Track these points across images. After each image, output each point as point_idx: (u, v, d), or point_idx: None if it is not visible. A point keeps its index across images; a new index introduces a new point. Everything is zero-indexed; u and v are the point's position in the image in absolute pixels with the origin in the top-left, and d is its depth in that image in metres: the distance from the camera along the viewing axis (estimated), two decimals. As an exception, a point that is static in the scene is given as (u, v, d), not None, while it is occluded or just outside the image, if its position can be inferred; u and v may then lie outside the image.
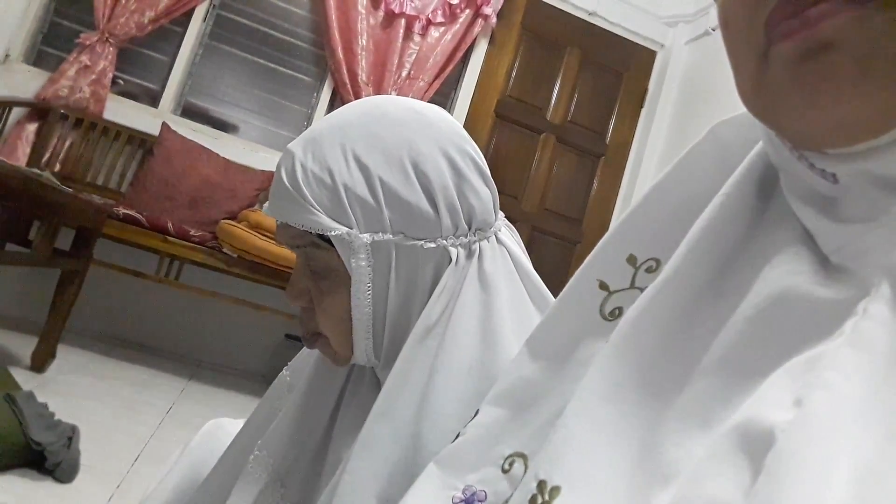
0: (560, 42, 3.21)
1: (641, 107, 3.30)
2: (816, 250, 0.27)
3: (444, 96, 3.13)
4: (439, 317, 0.52)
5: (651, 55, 3.33)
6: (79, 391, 1.90)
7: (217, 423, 0.82)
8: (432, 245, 0.53)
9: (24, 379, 1.71)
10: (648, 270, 0.35)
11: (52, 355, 2.01)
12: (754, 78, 0.25)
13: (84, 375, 2.05)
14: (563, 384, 0.35)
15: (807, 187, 0.27)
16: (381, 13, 2.91)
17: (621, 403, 0.30)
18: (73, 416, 1.51)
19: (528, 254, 0.60)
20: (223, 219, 2.43)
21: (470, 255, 0.54)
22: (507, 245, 0.56)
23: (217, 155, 2.65)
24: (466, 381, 0.50)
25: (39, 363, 1.95)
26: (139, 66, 2.81)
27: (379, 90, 2.88)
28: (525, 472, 0.35)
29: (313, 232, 0.53)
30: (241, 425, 0.69)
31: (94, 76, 2.58)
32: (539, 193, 3.18)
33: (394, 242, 0.52)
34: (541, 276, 0.58)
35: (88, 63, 2.58)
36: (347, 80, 2.85)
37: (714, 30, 2.96)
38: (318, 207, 0.51)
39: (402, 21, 2.90)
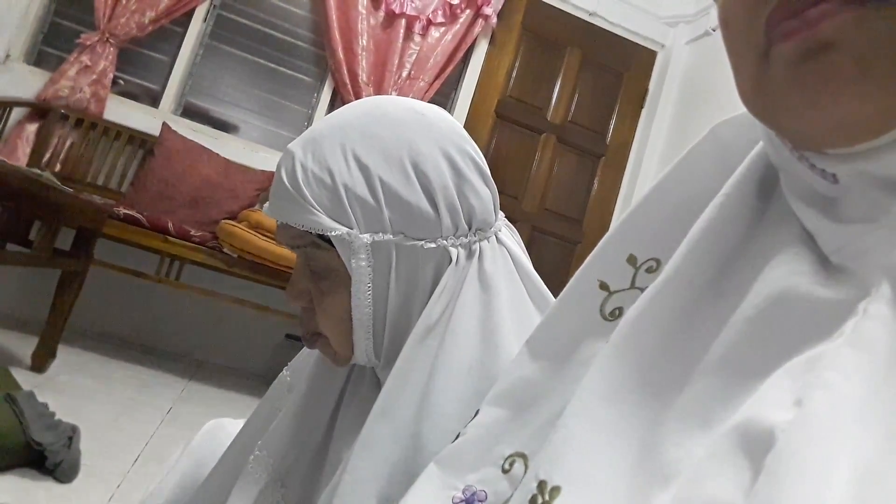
0: (560, 42, 3.21)
1: (642, 107, 3.30)
2: (817, 250, 0.27)
3: (444, 96, 3.13)
4: (439, 317, 0.52)
5: (651, 55, 3.33)
6: (79, 391, 1.90)
7: (217, 423, 0.82)
8: (432, 245, 0.53)
9: (24, 379, 1.72)
10: (649, 270, 0.35)
11: (53, 355, 2.01)
12: (754, 78, 0.25)
13: (84, 375, 2.05)
14: (563, 384, 0.35)
15: (807, 187, 0.27)
16: (381, 13, 2.91)
17: (621, 403, 0.30)
18: (73, 416, 1.51)
19: (528, 254, 0.60)
20: (223, 219, 2.43)
21: (470, 255, 0.54)
22: (507, 245, 0.56)
23: (217, 155, 2.65)
24: (466, 381, 0.50)
25: (40, 363, 1.95)
26: (139, 66, 2.81)
27: (379, 90, 2.88)
28: (525, 472, 0.35)
29: (313, 232, 0.53)
30: (241, 425, 0.69)
31: (94, 76, 2.59)
32: (539, 193, 3.18)
33: (394, 242, 0.52)
34: (541, 276, 0.58)
35: (89, 63, 2.58)
36: (348, 81, 2.85)
37: (714, 30, 2.96)
38: (319, 208, 0.51)
39: (403, 21, 2.90)
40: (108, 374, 2.15)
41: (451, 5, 2.96)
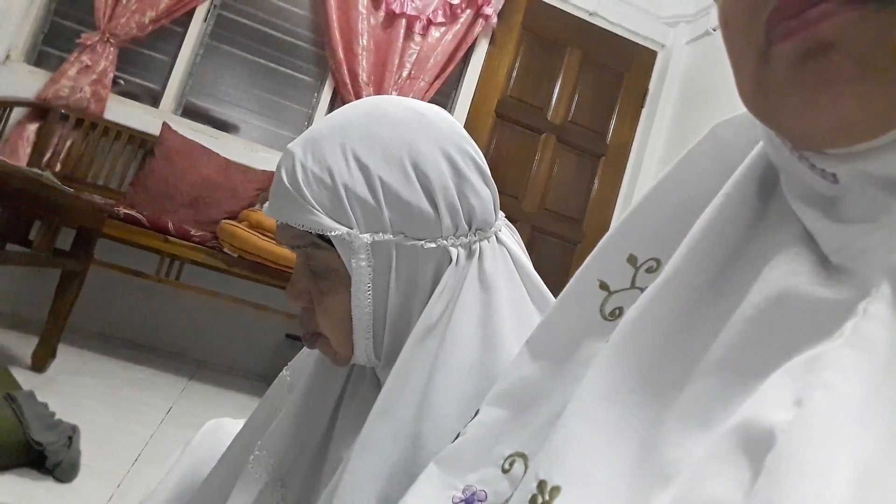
0: (560, 42, 3.21)
1: (642, 107, 3.30)
2: (817, 250, 0.27)
3: (444, 96, 3.13)
4: (439, 317, 0.52)
5: (652, 55, 3.33)
6: (79, 391, 1.90)
7: (217, 423, 0.82)
8: (432, 245, 0.53)
9: (24, 379, 1.72)
10: (649, 270, 0.35)
11: (53, 355, 2.01)
12: (754, 78, 0.25)
13: (84, 375, 2.05)
14: (563, 384, 0.35)
15: (807, 187, 0.27)
16: (381, 13, 2.91)
17: (621, 403, 0.30)
18: (73, 416, 1.51)
19: (528, 254, 0.60)
20: (224, 219, 2.44)
21: (470, 255, 0.54)
22: (507, 245, 0.56)
23: (217, 155, 2.65)
24: (466, 381, 0.50)
25: (40, 363, 1.95)
26: (140, 66, 2.81)
27: (379, 90, 2.88)
28: (525, 472, 0.35)
29: (313, 232, 0.53)
30: (241, 425, 0.69)
31: (94, 76, 2.59)
32: (539, 193, 3.18)
33: (394, 242, 0.52)
34: (541, 276, 0.58)
35: (89, 63, 2.58)
36: (348, 80, 2.85)
37: (715, 30, 2.96)
38: (319, 208, 0.51)
39: (403, 21, 2.90)
40: (108, 374, 2.15)
41: (451, 5, 2.96)
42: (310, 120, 2.98)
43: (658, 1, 3.29)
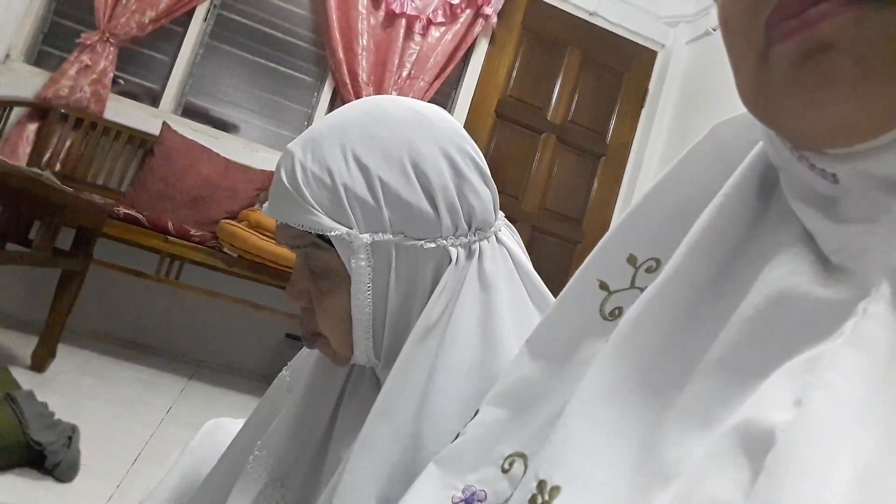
0: (560, 42, 3.21)
1: (642, 107, 3.30)
2: (817, 251, 0.27)
3: (444, 96, 3.13)
4: (439, 317, 0.52)
5: (651, 55, 3.33)
6: (79, 391, 1.90)
7: (217, 423, 0.82)
8: (432, 245, 0.53)
9: (24, 378, 1.72)
10: (648, 270, 0.35)
11: (52, 355, 2.01)
12: (754, 78, 0.25)
13: (84, 375, 2.05)
14: (563, 384, 0.35)
15: (807, 187, 0.27)
16: (381, 13, 2.91)
17: (621, 403, 0.30)
18: (73, 416, 1.51)
19: (528, 254, 0.60)
20: (223, 218, 2.43)
21: (470, 255, 0.54)
22: (507, 245, 0.56)
23: (217, 154, 2.65)
24: (466, 381, 0.50)
25: (39, 363, 1.95)
26: (140, 65, 2.81)
27: (379, 90, 2.88)
28: (525, 471, 0.35)
29: (313, 232, 0.53)
30: (241, 425, 0.69)
31: (94, 76, 2.58)
32: (539, 193, 3.18)
33: (394, 242, 0.52)
34: (541, 276, 0.58)
35: (89, 63, 2.58)
36: (348, 80, 2.85)
37: (715, 30, 2.96)
38: (318, 208, 0.51)
39: (403, 21, 2.90)
40: (108, 373, 2.15)
41: (451, 5, 2.96)
42: (310, 120, 2.98)
43: (658, 1, 3.29)
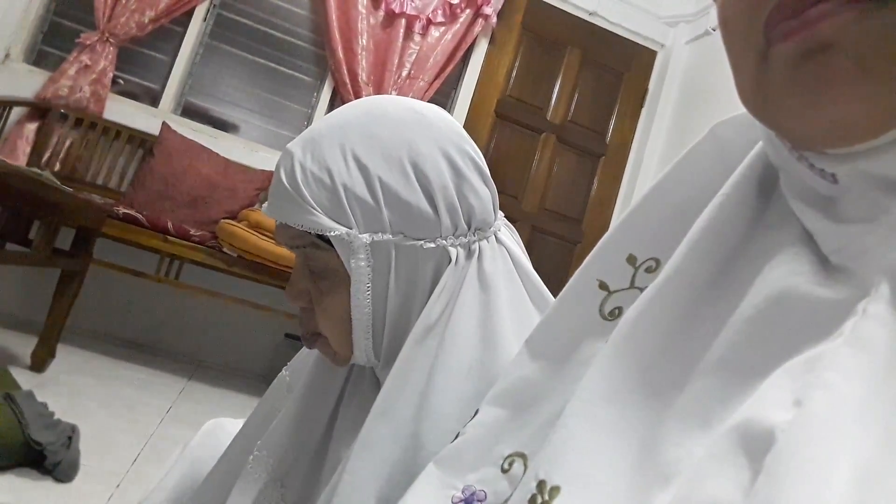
0: (560, 42, 3.21)
1: (642, 107, 3.30)
2: (816, 250, 0.27)
3: (444, 96, 3.13)
4: (439, 317, 0.52)
5: (651, 55, 3.33)
6: (79, 391, 1.90)
7: (217, 423, 0.82)
8: (432, 245, 0.53)
9: (23, 378, 1.71)
10: (648, 270, 0.35)
11: (52, 355, 2.01)
12: (754, 78, 0.25)
13: (84, 375, 2.05)
14: (562, 384, 0.35)
15: (807, 187, 0.27)
16: (381, 13, 2.91)
17: (621, 403, 0.30)
18: (72, 416, 1.51)
19: (528, 254, 0.60)
20: (223, 218, 2.43)
21: (469, 255, 0.54)
22: (506, 245, 0.56)
23: (217, 154, 2.65)
24: (466, 381, 0.50)
25: (39, 363, 1.95)
26: (139, 65, 2.81)
27: (379, 90, 2.88)
28: (525, 471, 0.35)
29: (313, 232, 0.52)
30: (241, 425, 0.69)
31: (94, 76, 2.58)
32: (539, 193, 3.18)
33: (393, 242, 0.52)
34: (541, 276, 0.58)
35: (89, 63, 2.58)
36: (348, 80, 2.85)
37: (714, 30, 2.96)
38: (318, 208, 0.51)
39: (403, 21, 2.90)
40: (107, 373, 2.15)
41: (450, 5, 2.96)
42: (309, 119, 2.98)
43: (658, 1, 3.29)
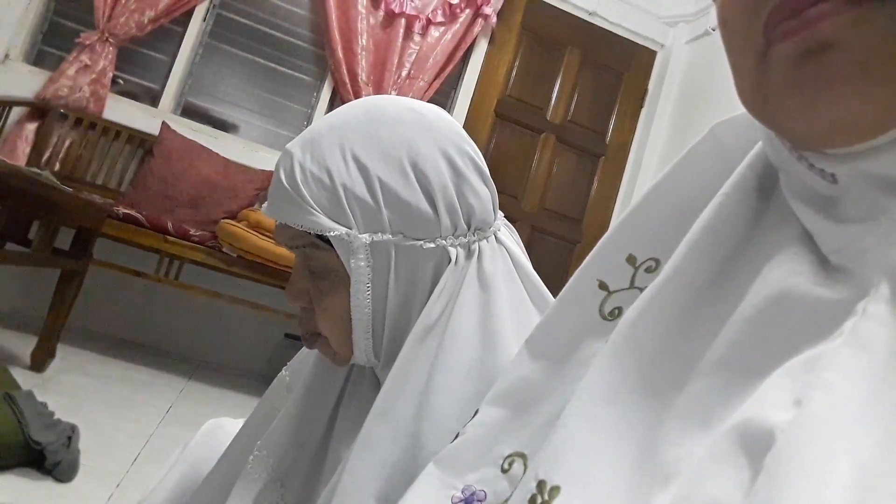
0: (560, 42, 3.21)
1: (641, 107, 3.30)
2: (816, 250, 0.27)
3: (444, 96, 3.13)
4: (439, 317, 0.52)
5: (651, 55, 3.33)
6: (78, 391, 1.90)
7: (217, 423, 0.82)
8: (431, 245, 0.53)
9: (23, 378, 1.71)
10: (648, 270, 0.35)
11: (52, 355, 2.00)
12: (753, 78, 0.25)
13: (84, 375, 2.05)
14: (562, 384, 0.35)
15: (806, 187, 0.27)
16: (381, 13, 2.91)
17: (621, 403, 0.30)
18: (72, 416, 1.51)
19: (528, 254, 0.60)
20: (223, 218, 2.43)
21: (469, 254, 0.54)
22: (506, 245, 0.56)
23: (217, 154, 2.65)
24: (466, 381, 0.50)
25: (39, 363, 1.95)
26: (139, 65, 2.81)
27: (379, 90, 2.88)
28: (525, 471, 0.35)
29: (312, 232, 0.52)
30: (241, 425, 0.69)
31: (93, 76, 2.58)
32: (539, 193, 3.18)
33: (393, 243, 0.52)
34: (541, 276, 0.58)
35: (88, 62, 2.58)
36: (347, 80, 2.85)
37: (714, 30, 2.96)
38: (317, 208, 0.51)
39: (402, 21, 2.90)
40: (107, 373, 2.15)
41: (450, 5, 2.96)
42: (309, 119, 2.98)
43: (658, 1, 3.29)
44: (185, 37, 2.82)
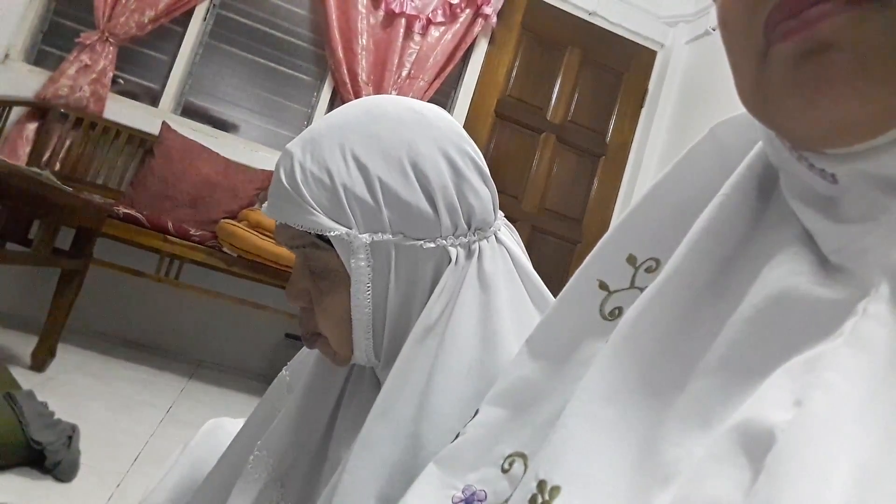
0: (560, 42, 3.21)
1: (641, 107, 3.30)
2: (816, 250, 0.27)
3: (444, 96, 3.13)
4: (439, 316, 0.52)
5: (651, 55, 3.33)
6: (79, 390, 1.90)
7: (217, 423, 0.82)
8: (432, 245, 0.53)
9: (23, 378, 1.71)
10: (648, 270, 0.35)
11: (52, 354, 2.00)
12: (753, 78, 0.25)
13: (84, 375, 2.05)
14: (563, 384, 0.35)
15: (806, 187, 0.27)
16: (381, 13, 2.91)
17: (621, 403, 0.30)
18: (72, 416, 1.51)
19: (528, 254, 0.60)
20: (223, 218, 2.43)
21: (469, 254, 0.54)
22: (506, 245, 0.56)
23: (217, 154, 2.65)
24: (466, 380, 0.50)
25: (39, 362, 1.95)
26: (139, 65, 2.81)
27: (379, 90, 2.88)
28: (525, 471, 0.35)
29: (312, 232, 0.52)
30: (241, 425, 0.69)
31: (94, 75, 2.58)
32: (539, 193, 3.18)
33: (393, 242, 0.52)
34: (541, 276, 0.58)
35: (88, 62, 2.58)
36: (347, 80, 2.85)
37: (714, 30, 2.96)
38: (318, 208, 0.51)
39: (403, 20, 2.90)
40: (107, 373, 2.15)
41: (450, 5, 2.96)
42: (309, 119, 2.98)
43: (658, 1, 3.29)
44: (186, 36, 2.82)
